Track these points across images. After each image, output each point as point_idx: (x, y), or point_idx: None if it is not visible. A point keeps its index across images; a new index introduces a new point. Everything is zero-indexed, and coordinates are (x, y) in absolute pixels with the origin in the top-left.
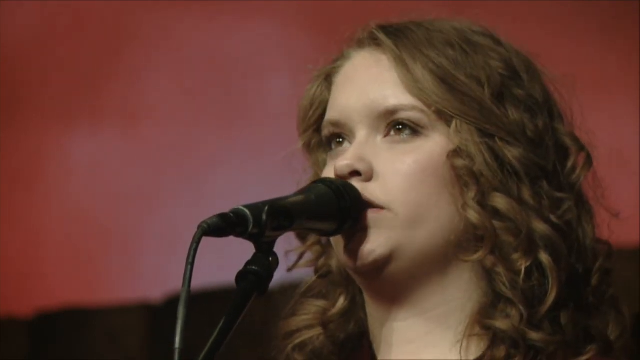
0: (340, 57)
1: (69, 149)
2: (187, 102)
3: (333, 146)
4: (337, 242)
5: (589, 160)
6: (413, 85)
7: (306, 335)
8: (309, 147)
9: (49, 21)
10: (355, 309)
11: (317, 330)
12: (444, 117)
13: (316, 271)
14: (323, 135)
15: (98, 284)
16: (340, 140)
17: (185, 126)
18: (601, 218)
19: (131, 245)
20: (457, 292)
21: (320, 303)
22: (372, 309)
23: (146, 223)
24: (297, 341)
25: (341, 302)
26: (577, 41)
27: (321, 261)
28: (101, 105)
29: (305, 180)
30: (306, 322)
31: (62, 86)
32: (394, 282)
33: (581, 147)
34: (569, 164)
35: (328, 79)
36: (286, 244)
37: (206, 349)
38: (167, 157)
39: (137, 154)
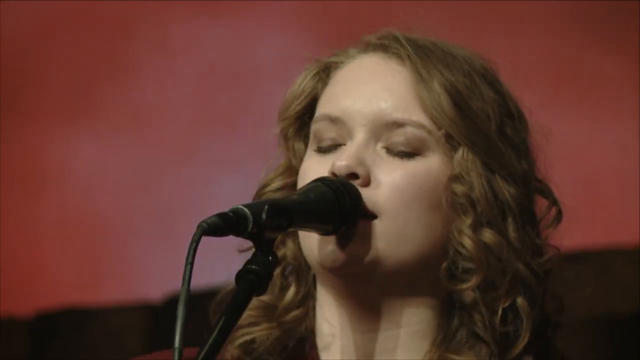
0: (342, 54)
1: (69, 149)
2: (188, 104)
3: (323, 143)
4: (323, 240)
5: (559, 216)
6: (428, 104)
7: (249, 335)
8: (286, 134)
9: (49, 21)
10: (307, 311)
11: (262, 327)
12: (451, 141)
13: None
14: (313, 128)
15: (98, 284)
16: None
17: (187, 127)
18: (601, 223)
19: (131, 246)
20: (425, 318)
21: (264, 297)
22: (335, 316)
23: (147, 223)
24: (240, 340)
25: (292, 292)
26: (577, 42)
27: (281, 250)
28: (102, 106)
29: (274, 162)
30: (249, 318)
31: (62, 87)
32: (365, 292)
33: (554, 201)
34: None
35: (326, 72)
36: None
37: (205, 348)
38: (167, 157)
39: (138, 155)
